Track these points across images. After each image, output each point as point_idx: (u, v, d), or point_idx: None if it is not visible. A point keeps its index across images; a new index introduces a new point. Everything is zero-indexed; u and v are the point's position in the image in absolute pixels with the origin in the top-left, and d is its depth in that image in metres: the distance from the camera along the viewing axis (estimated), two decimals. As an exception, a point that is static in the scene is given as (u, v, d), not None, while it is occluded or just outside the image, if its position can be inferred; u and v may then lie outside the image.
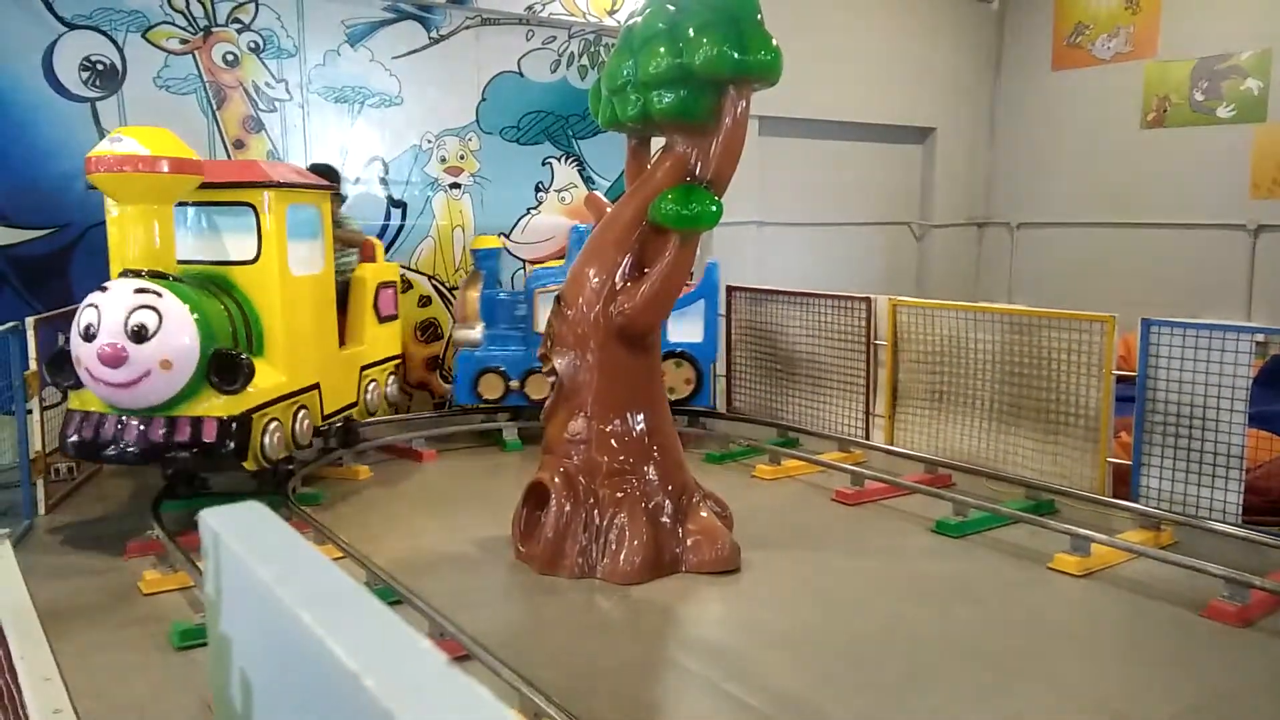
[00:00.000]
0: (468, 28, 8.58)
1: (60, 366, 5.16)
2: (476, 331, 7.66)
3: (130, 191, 4.96)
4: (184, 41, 7.39)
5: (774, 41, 4.67)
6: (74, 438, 5.14)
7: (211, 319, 5.19)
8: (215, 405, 5.07)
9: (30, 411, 5.91)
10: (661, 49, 4.79)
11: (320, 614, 0.70)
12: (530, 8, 8.80)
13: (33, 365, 5.87)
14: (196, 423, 5.06)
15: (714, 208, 4.86)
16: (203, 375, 5.05)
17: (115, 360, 4.76)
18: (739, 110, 4.73)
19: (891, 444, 7.23)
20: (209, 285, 5.42)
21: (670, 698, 3.89)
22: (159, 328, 4.82)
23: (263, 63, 7.71)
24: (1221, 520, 5.33)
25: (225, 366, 5.07)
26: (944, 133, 12.12)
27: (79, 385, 5.10)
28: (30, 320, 5.92)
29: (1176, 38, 10.63)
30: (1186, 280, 10.44)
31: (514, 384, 7.55)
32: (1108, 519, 5.73)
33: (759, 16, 4.71)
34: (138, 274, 4.97)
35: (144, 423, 5.03)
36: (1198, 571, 4.71)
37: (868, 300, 7.40)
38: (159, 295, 4.89)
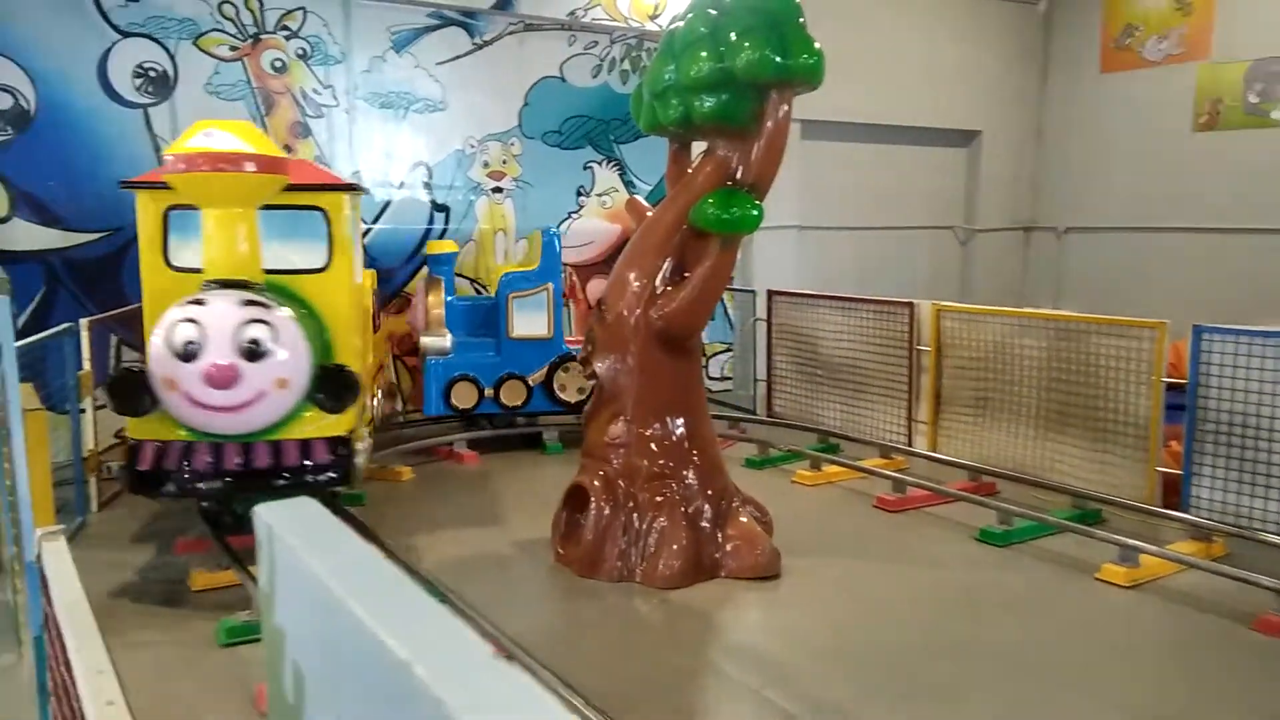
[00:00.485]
0: (511, 33, 8.65)
1: (129, 391, 4.47)
2: (446, 340, 7.31)
3: (221, 193, 4.46)
4: (234, 48, 7.53)
5: (816, 45, 4.66)
6: (146, 468, 4.49)
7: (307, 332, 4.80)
8: (322, 424, 4.65)
9: (84, 411, 6.05)
10: (703, 53, 4.80)
11: (371, 606, 0.72)
12: (573, 13, 8.85)
13: (86, 365, 6.00)
14: (306, 445, 4.61)
15: (755, 212, 4.86)
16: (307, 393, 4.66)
17: (227, 381, 4.28)
18: (781, 114, 4.72)
19: (935, 451, 7.15)
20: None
21: (709, 703, 3.88)
22: (273, 343, 4.35)
23: (310, 69, 7.83)
24: (1275, 532, 5.21)
25: (333, 383, 4.64)
26: (989, 136, 11.99)
27: (148, 410, 4.50)
28: (84, 322, 6.06)
29: (1230, 39, 10.43)
30: (1239, 286, 10.23)
31: (488, 391, 7.44)
32: (1157, 529, 5.63)
33: (801, 20, 4.70)
34: (239, 285, 4.51)
35: (245, 449, 4.51)
36: (1249, 584, 4.61)
37: (910, 305, 7.34)
38: (268, 307, 4.42)
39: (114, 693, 1.54)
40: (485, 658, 0.62)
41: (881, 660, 4.15)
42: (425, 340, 7.34)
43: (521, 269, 7.63)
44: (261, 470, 4.51)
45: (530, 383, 7.47)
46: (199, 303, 4.40)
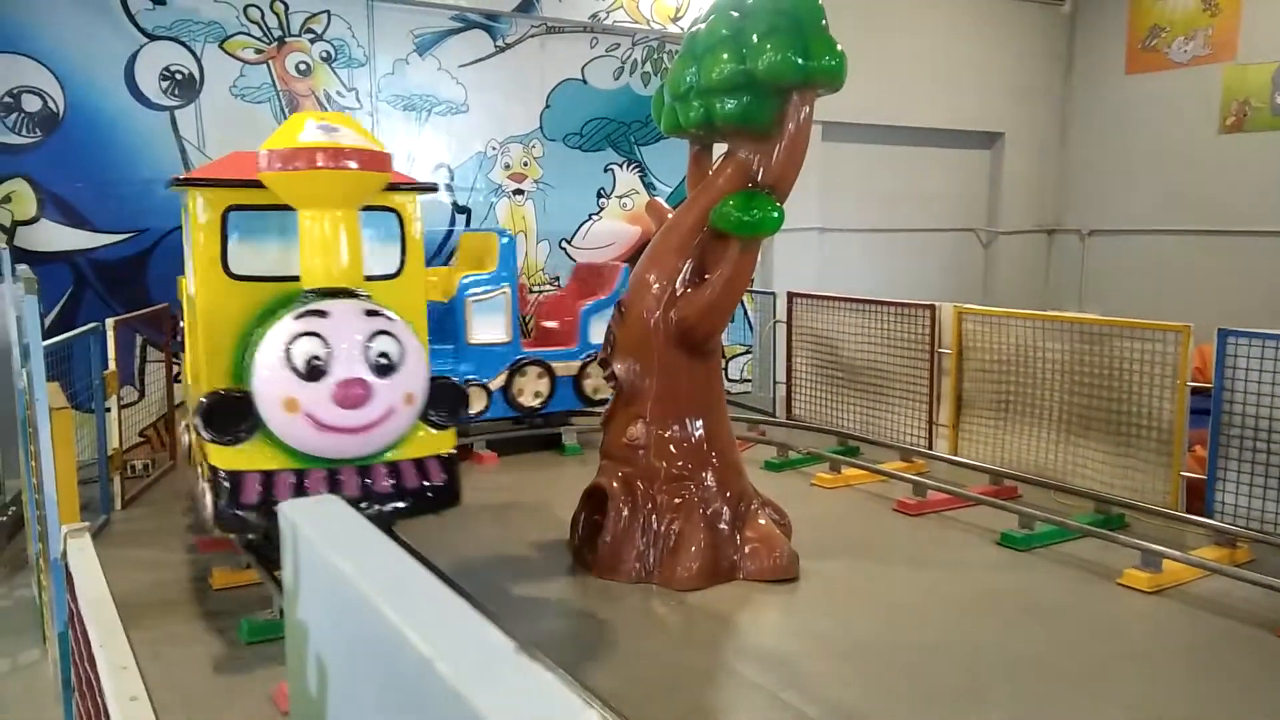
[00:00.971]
0: (533, 36, 8.68)
1: (231, 417, 3.96)
2: None
3: (330, 192, 4.03)
4: (259, 51, 7.59)
5: (838, 46, 4.65)
6: (252, 502, 3.94)
7: None
8: (432, 441, 4.26)
9: (109, 410, 6.12)
10: (725, 55, 4.80)
11: (394, 602, 0.72)
12: (595, 15, 8.87)
13: (112, 365, 6.07)
14: (421, 465, 4.21)
15: (775, 214, 4.85)
16: None
17: (359, 399, 3.84)
18: (802, 116, 4.71)
19: (955, 454, 7.12)
20: None
21: (726, 705, 3.87)
22: (401, 356, 3.94)
23: (334, 72, 7.89)
24: (1302, 538, 5.14)
25: (446, 396, 4.28)
26: (1013, 138, 11.92)
27: (247, 437, 3.98)
28: (110, 322, 6.12)
29: (1257, 40, 10.32)
30: (1265, 290, 10.11)
31: None
32: (1180, 535, 5.57)
33: (823, 22, 4.69)
34: (348, 294, 4.06)
35: (364, 473, 4.06)
36: (1274, 590, 4.56)
37: (931, 308, 7.30)
38: (391, 318, 4.01)
39: (137, 688, 1.56)
40: (507, 654, 0.62)
41: (900, 663, 4.13)
42: None
43: (478, 272, 7.35)
44: (382, 495, 4.09)
45: (490, 388, 7.39)
46: (320, 314, 3.89)
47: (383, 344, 3.90)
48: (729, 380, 9.50)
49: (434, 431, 4.27)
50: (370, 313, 3.97)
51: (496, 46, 8.54)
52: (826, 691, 3.86)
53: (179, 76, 7.31)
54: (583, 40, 8.91)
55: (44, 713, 3.55)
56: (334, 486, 4.02)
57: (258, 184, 4.13)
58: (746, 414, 8.71)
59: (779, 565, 4.99)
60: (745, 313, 9.82)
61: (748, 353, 9.98)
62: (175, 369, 7.26)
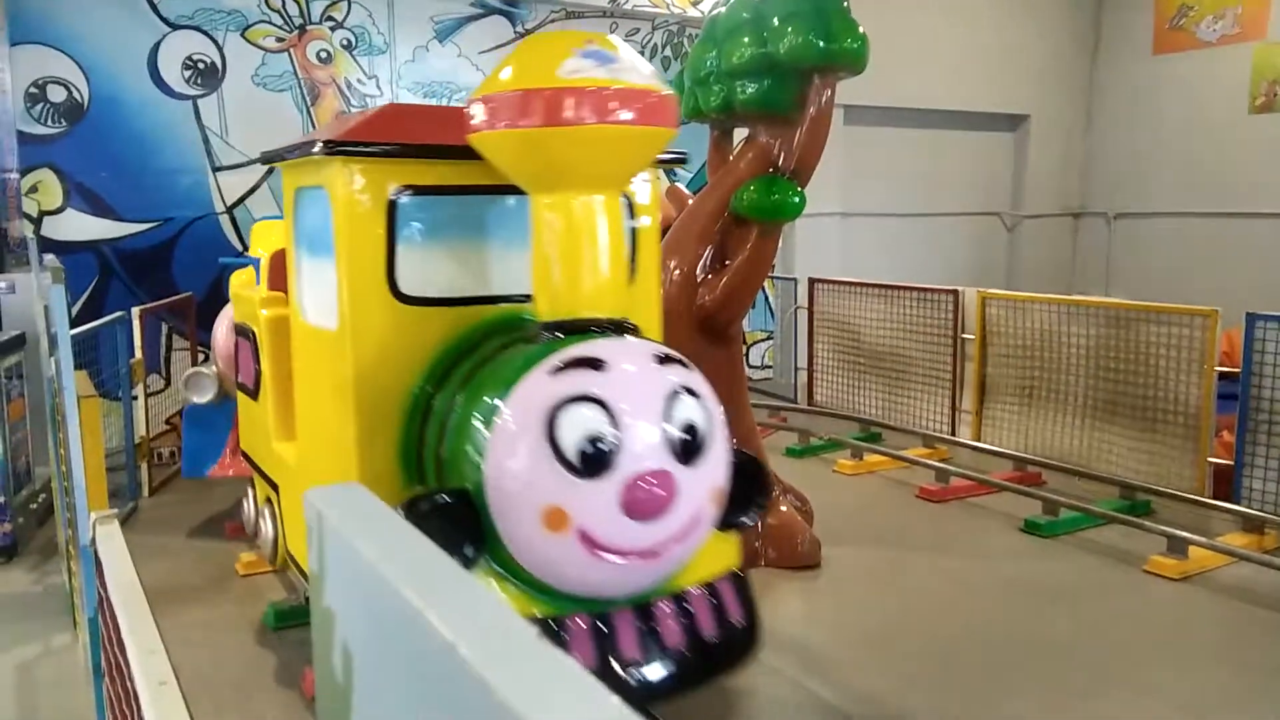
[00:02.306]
0: (552, 21, 8.66)
1: (456, 530, 2.60)
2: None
3: (597, 164, 2.74)
4: (280, 40, 7.61)
5: (860, 29, 4.61)
6: None
7: None
8: (714, 551, 2.92)
9: (136, 398, 6.18)
10: (746, 38, 4.77)
11: (418, 588, 0.73)
12: (615, 1, 8.83)
13: (138, 353, 6.13)
14: (714, 591, 2.93)
15: (796, 199, 4.82)
16: None
17: (663, 503, 2.52)
18: (824, 99, 4.68)
19: (979, 440, 7.07)
20: None
21: (747, 691, 3.88)
22: (710, 427, 2.65)
23: (354, 59, 7.90)
24: (1332, 524, 5.08)
25: (746, 481, 2.88)
26: (1038, 120, 11.78)
27: (474, 562, 2.67)
28: (136, 310, 6.18)
29: (1288, 19, 10.14)
30: (1296, 273, 9.97)
31: None
32: (1207, 521, 5.52)
33: (845, 4, 4.65)
34: (617, 328, 2.79)
35: (642, 617, 2.76)
36: (1305, 577, 4.51)
37: (955, 293, 7.25)
38: (689, 367, 2.74)
39: (166, 673, 1.58)
40: (529, 639, 0.63)
41: (922, 650, 4.11)
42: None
43: None
44: (672, 652, 2.76)
45: None
46: (593, 364, 2.56)
47: (686, 410, 2.59)
48: (750, 366, 9.48)
49: (717, 536, 2.84)
50: (662, 359, 2.67)
51: (516, 33, 8.52)
52: (848, 678, 3.85)
53: (201, 65, 7.34)
54: (602, 25, 8.87)
55: (75, 696, 3.61)
56: (604, 643, 2.66)
57: (449, 153, 2.94)
58: (768, 400, 8.69)
59: (801, 552, 4.99)
60: (766, 298, 9.78)
61: (769, 339, 9.94)
62: (201, 356, 7.32)
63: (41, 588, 4.85)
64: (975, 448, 6.98)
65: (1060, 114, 11.94)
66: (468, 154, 2.80)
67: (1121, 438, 6.22)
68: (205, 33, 7.33)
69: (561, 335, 2.70)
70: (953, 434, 7.28)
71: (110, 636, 2.15)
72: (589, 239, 2.74)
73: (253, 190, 7.52)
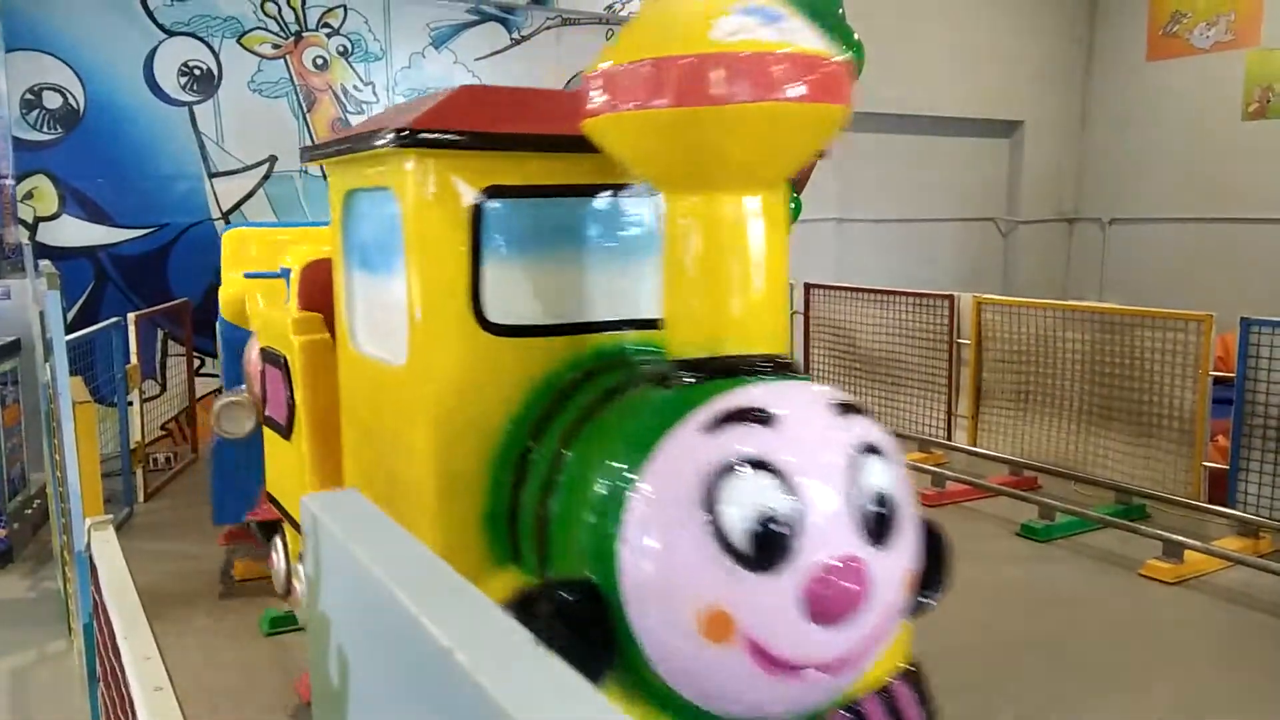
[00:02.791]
0: (548, 28, 8.67)
1: (587, 631, 2.00)
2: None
3: (759, 154, 2.14)
4: (276, 46, 7.62)
5: (856, 35, 4.61)
6: None
7: None
8: (890, 647, 2.34)
9: (131, 403, 6.18)
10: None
11: (414, 594, 0.73)
12: (610, 7, 8.85)
13: (133, 359, 6.13)
14: (890, 696, 2.49)
15: (793, 204, 4.83)
16: None
17: (855, 600, 1.92)
18: (820, 106, 4.67)
19: (974, 445, 7.08)
20: None
21: (746, 695, 3.88)
22: (900, 496, 2.06)
23: (351, 66, 7.91)
24: (1326, 528, 5.09)
25: (930, 556, 2.30)
26: (1032, 126, 11.82)
27: (608, 668, 2.09)
28: (131, 316, 6.18)
29: (1280, 25, 10.19)
30: (1290, 278, 10.00)
31: None
32: (1203, 525, 5.53)
33: (840, 10, 4.66)
34: (780, 368, 2.18)
35: None
36: (1300, 581, 4.52)
37: (951, 298, 7.26)
38: (868, 416, 2.16)
39: (161, 679, 1.58)
40: (526, 645, 0.63)
41: (917, 655, 4.11)
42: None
43: None
44: None
45: None
46: (758, 417, 1.95)
47: (875, 474, 1.98)
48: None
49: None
50: (842, 408, 2.07)
51: (512, 39, 8.53)
52: (845, 682, 3.85)
53: (197, 72, 7.34)
54: (598, 32, 8.89)
55: (70, 702, 3.60)
56: None
57: (550, 144, 2.44)
58: (764, 405, 8.69)
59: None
60: (762, 304, 9.79)
61: (765, 344, 9.95)
62: (197, 363, 7.31)
63: (36, 594, 4.84)
64: (971, 452, 6.99)
65: (1055, 120, 11.98)
66: (573, 145, 2.24)
67: (1117, 442, 6.23)
68: (201, 39, 7.33)
69: (705, 376, 2.07)
70: (949, 439, 7.29)
71: (105, 642, 2.15)
72: (741, 252, 2.12)
73: (248, 196, 7.53)
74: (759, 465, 1.86)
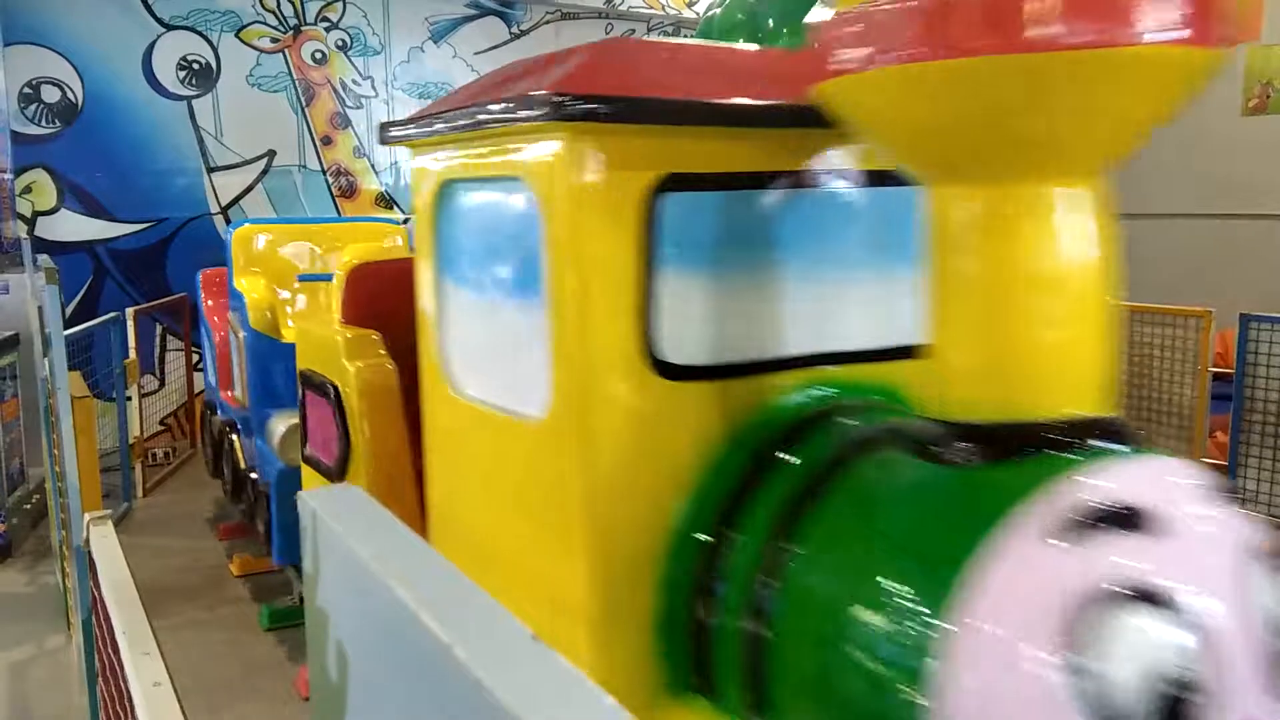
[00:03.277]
0: (547, 22, 8.66)
1: None
2: None
3: (1090, 111, 1.46)
4: (275, 40, 7.60)
5: None
6: None
7: None
8: None
9: (130, 398, 6.17)
10: (741, 40, 4.77)
11: (413, 589, 0.73)
12: (609, 1, 8.83)
13: (132, 354, 6.12)
14: None
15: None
16: None
17: None
18: (819, 101, 4.65)
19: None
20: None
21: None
22: None
23: (349, 60, 7.89)
24: (1324, 525, 5.10)
25: None
26: (1031, 123, 11.81)
27: None
28: (130, 311, 6.17)
29: (1281, 21, 10.18)
30: (1289, 274, 10.00)
31: None
32: (1201, 521, 5.53)
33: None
34: (1112, 434, 1.49)
35: None
36: (1298, 577, 4.51)
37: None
38: (1233, 498, 1.52)
39: (160, 674, 1.58)
40: (524, 641, 0.63)
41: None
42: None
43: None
44: None
45: None
46: (1128, 518, 1.31)
47: (1265, 590, 1.42)
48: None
49: None
50: (1212, 492, 1.46)
51: (511, 33, 8.52)
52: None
53: (196, 66, 7.33)
54: (598, 26, 8.88)
55: (69, 697, 3.60)
56: None
57: (748, 117, 1.83)
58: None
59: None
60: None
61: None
62: (195, 358, 7.31)
63: (35, 589, 4.84)
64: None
65: (1054, 115, 11.97)
66: (783, 119, 1.76)
67: (1115, 438, 6.23)
68: (200, 33, 7.32)
69: (1012, 449, 1.45)
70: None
71: (104, 637, 2.15)
72: (1063, 269, 1.52)
73: (247, 191, 7.52)
74: (1144, 595, 1.26)
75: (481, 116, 1.90)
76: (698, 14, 8.60)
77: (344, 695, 0.88)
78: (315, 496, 0.90)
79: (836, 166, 1.93)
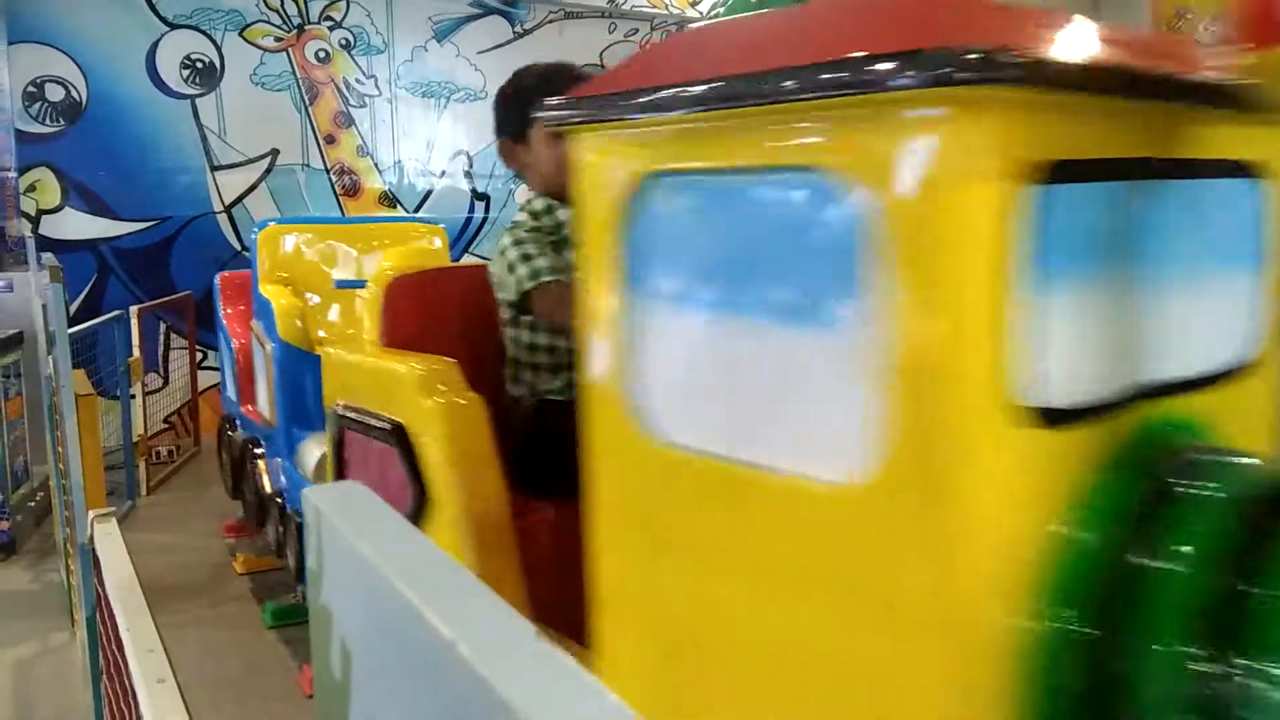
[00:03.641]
0: (551, 22, 8.66)
1: None
2: None
3: None
4: (278, 39, 7.61)
5: (860, 30, 4.59)
6: None
7: None
8: None
9: (133, 396, 6.18)
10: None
11: (417, 586, 0.73)
12: (613, 1, 8.84)
13: (136, 352, 6.13)
14: None
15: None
16: None
17: None
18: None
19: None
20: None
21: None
22: None
23: (353, 59, 7.90)
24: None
25: None
26: (1034, 122, 11.82)
27: None
28: (134, 309, 6.19)
29: (1286, 21, 10.16)
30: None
31: None
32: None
33: (845, 5, 4.64)
34: None
35: None
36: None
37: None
38: None
39: (164, 671, 1.58)
40: (528, 637, 0.63)
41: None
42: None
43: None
44: None
45: None
46: None
47: None
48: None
49: None
50: None
51: (515, 33, 8.53)
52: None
53: (200, 65, 7.34)
54: (601, 25, 8.89)
55: (73, 694, 3.61)
56: None
57: (1163, 89, 1.36)
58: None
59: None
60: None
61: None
62: (200, 356, 7.32)
63: (39, 586, 4.85)
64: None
65: (1058, 115, 11.97)
66: (1194, 94, 1.40)
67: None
68: (203, 32, 7.33)
69: None
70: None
71: (108, 635, 2.15)
72: None
73: (251, 189, 7.54)
74: None
75: (790, 85, 1.23)
76: (701, 14, 8.61)
77: (347, 692, 0.88)
78: (319, 493, 0.90)
79: (1209, 155, 1.52)
